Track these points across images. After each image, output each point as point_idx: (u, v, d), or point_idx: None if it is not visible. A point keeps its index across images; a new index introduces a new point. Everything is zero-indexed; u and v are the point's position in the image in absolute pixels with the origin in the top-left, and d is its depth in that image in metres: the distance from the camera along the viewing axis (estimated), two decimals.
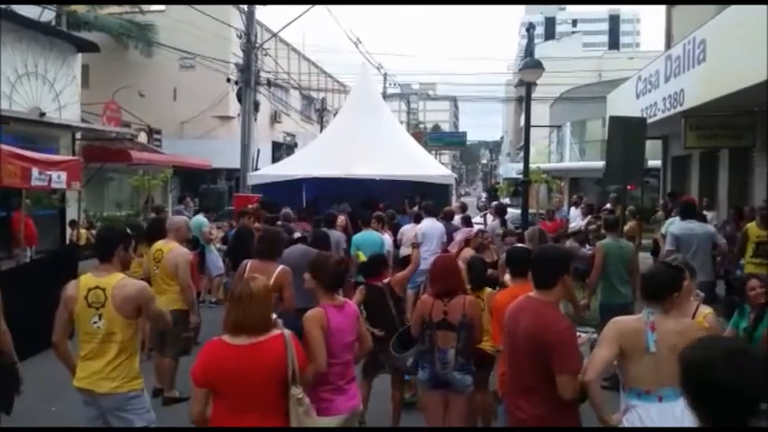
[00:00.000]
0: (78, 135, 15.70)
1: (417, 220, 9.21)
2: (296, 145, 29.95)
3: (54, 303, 7.24)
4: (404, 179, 13.33)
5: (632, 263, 6.21)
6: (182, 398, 5.59)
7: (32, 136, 12.88)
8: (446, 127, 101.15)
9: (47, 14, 16.45)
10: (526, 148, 9.64)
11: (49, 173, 6.64)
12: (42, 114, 13.14)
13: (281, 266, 4.93)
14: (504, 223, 8.94)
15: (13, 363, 4.00)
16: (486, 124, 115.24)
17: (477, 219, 10.62)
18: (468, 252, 6.71)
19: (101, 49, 17.17)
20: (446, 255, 4.49)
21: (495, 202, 12.24)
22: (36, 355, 6.80)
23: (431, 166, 14.46)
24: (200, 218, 9.73)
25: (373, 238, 7.52)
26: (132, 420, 3.57)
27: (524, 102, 9.44)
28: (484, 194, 41.52)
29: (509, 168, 40.13)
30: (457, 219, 9.72)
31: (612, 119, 8.59)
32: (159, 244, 5.99)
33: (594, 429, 3.67)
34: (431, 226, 8.51)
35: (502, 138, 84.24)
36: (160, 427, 5.28)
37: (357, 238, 7.64)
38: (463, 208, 10.17)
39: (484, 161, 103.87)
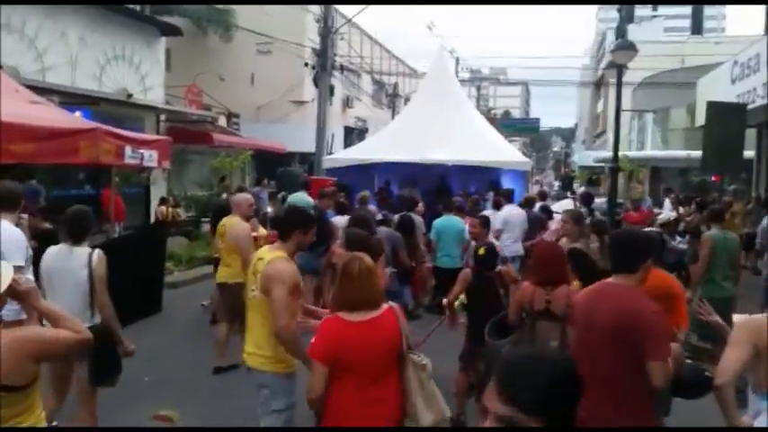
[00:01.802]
0: (163, 117, 16.25)
1: (497, 206, 9.00)
2: (367, 130, 30.04)
3: (143, 277, 7.54)
4: (479, 165, 13.10)
5: (736, 255, 5.84)
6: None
7: (120, 116, 13.38)
8: (517, 113, 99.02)
9: None
10: (616, 133, 9.21)
11: (141, 151, 6.84)
12: (130, 96, 13.65)
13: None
14: (591, 213, 8.58)
15: (113, 345, 4.07)
16: (557, 111, 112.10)
17: (557, 207, 10.25)
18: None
19: (183, 34, 17.65)
20: (549, 242, 4.32)
21: (581, 189, 11.78)
22: (125, 327, 7.10)
23: (507, 152, 14.14)
24: (305, 195, 9.69)
25: (454, 224, 7.38)
26: (270, 402, 3.55)
27: (616, 85, 9.00)
28: (556, 183, 40.35)
29: (585, 156, 38.75)
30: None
31: (711, 105, 8.08)
32: (224, 220, 6.29)
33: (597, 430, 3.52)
34: (512, 212, 8.30)
35: (576, 125, 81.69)
36: (162, 428, 5.38)
37: (438, 223, 7.50)
38: (542, 196, 9.85)
39: (555, 149, 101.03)
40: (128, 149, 6.63)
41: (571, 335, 3.20)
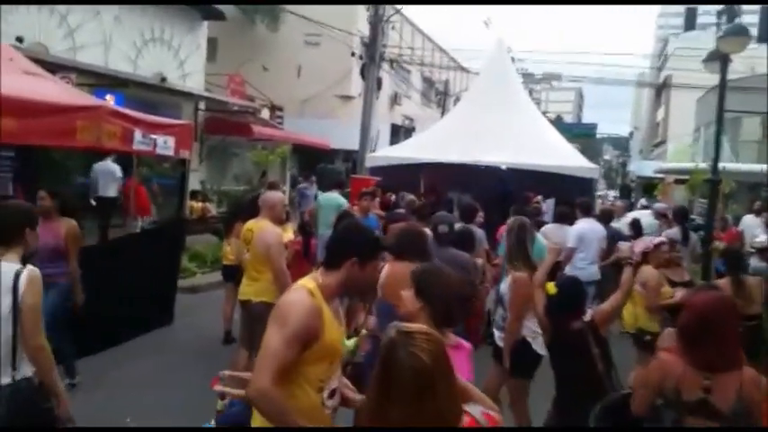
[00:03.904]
0: (202, 106, 15.43)
1: (563, 219, 7.63)
2: (414, 129, 28.92)
3: (151, 283, 6.54)
4: (540, 169, 11.69)
5: None
6: None
7: (155, 102, 12.56)
8: (569, 119, 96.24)
9: None
10: (717, 139, 7.77)
11: (153, 137, 5.83)
12: (163, 79, 12.79)
13: None
14: (686, 232, 7.17)
15: (49, 406, 2.87)
16: (610, 119, 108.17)
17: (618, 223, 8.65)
18: (650, 272, 5.15)
19: (230, 22, 16.88)
20: (714, 293, 2.80)
21: (663, 205, 10.29)
22: (121, 345, 6.05)
23: (572, 157, 12.72)
24: (337, 196, 8.54)
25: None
26: None
27: (719, 82, 7.61)
28: (611, 193, 38.30)
29: (643, 166, 36.66)
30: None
31: None
32: (250, 223, 5.06)
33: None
34: (589, 228, 6.94)
35: (631, 133, 78.63)
36: (156, 427, 4.39)
37: None
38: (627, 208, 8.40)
39: (607, 157, 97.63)
40: (137, 134, 5.62)
41: None
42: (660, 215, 8.54)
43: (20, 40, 9.31)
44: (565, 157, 12.40)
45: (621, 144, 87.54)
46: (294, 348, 2.22)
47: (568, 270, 6.70)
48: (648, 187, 29.61)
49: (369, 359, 3.16)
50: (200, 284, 9.05)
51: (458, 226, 5.35)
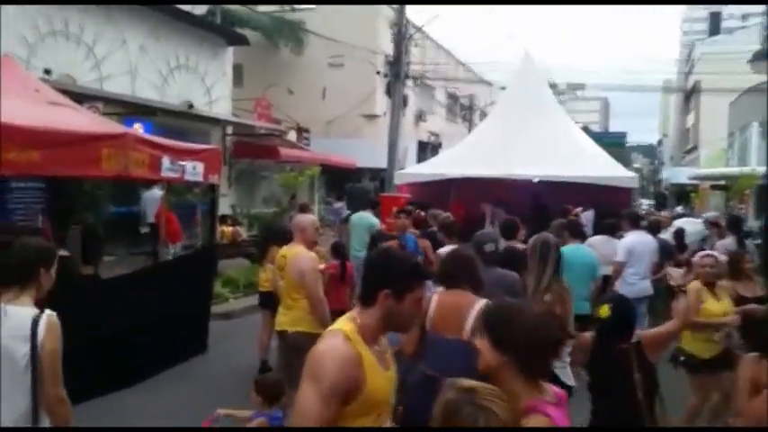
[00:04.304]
0: (229, 130, 15.44)
1: (611, 230, 7.25)
2: (440, 145, 28.72)
3: (188, 308, 6.36)
4: (576, 181, 11.31)
5: None
6: None
7: (183, 129, 12.59)
8: (596, 129, 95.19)
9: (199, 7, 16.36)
10: None
11: (182, 163, 5.68)
12: (191, 106, 12.79)
13: (483, 302, 3.14)
14: (741, 241, 6.75)
15: None
16: (638, 127, 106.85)
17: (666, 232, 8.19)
18: (692, 288, 4.73)
19: (254, 48, 16.95)
20: None
21: (714, 214, 9.83)
22: (151, 378, 5.80)
23: (609, 167, 12.33)
24: (369, 216, 8.17)
25: (584, 255, 5.54)
26: None
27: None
28: (644, 202, 37.33)
29: (676, 173, 35.77)
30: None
31: None
32: (284, 249, 4.89)
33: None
34: (639, 241, 6.55)
35: (660, 141, 77.36)
36: (152, 427, 4.35)
37: (564, 253, 5.78)
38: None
39: (637, 165, 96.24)
40: (165, 160, 5.47)
41: None
42: (712, 225, 8.12)
43: (48, 72, 9.36)
44: (602, 167, 12.03)
45: (650, 152, 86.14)
46: (332, 406, 1.90)
47: (619, 286, 6.34)
48: (682, 195, 28.76)
49: (415, 400, 2.85)
50: (233, 310, 8.87)
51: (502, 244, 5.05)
